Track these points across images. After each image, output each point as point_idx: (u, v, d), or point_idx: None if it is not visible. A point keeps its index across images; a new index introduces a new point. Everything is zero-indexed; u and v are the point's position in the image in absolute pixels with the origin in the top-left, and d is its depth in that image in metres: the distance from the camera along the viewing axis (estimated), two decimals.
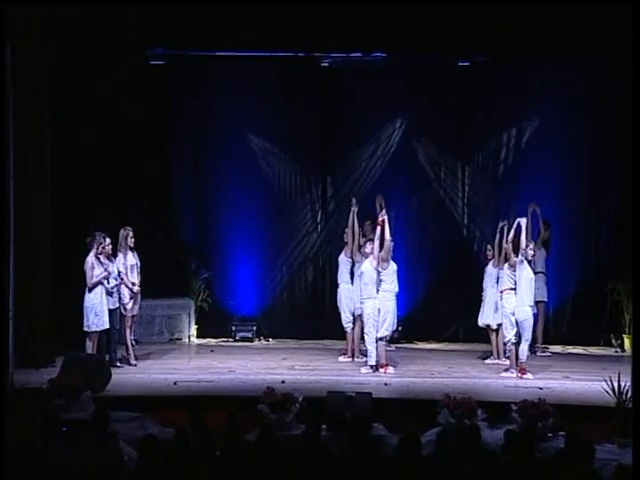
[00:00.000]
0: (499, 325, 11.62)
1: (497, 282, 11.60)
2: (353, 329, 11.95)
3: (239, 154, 14.12)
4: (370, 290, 11.13)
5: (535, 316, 11.34)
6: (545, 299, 12.49)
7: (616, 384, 8.89)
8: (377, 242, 11.11)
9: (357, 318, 11.76)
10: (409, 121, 14.11)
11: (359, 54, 13.33)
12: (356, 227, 11.75)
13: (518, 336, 10.95)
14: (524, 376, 10.77)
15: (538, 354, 12.35)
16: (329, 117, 14.18)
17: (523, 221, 11.05)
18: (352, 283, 11.88)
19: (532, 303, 10.98)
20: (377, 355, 11.11)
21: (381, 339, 11.12)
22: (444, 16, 11.53)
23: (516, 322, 10.91)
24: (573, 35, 11.81)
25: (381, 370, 11.06)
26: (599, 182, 13.74)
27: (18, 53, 10.26)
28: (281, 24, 11.85)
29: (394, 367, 11.27)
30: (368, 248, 11.28)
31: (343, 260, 12.06)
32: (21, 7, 10.15)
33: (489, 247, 12.09)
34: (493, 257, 11.87)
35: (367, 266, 11.16)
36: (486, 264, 12.07)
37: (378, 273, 11.13)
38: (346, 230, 12.00)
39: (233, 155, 14.10)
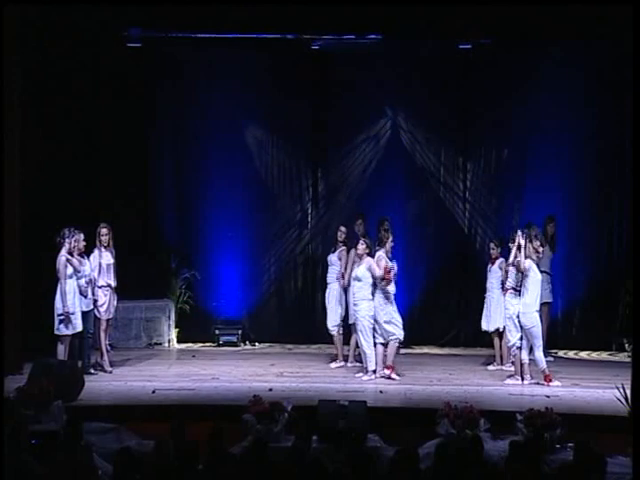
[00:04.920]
0: (496, 330, 11.72)
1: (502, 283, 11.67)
2: (341, 332, 12.02)
3: (223, 144, 14.09)
4: (365, 292, 11.22)
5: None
6: (550, 300, 12.49)
7: (629, 392, 8.90)
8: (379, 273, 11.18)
9: (353, 325, 11.80)
10: (406, 109, 14.11)
11: (352, 36, 13.31)
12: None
13: (522, 339, 10.98)
14: (551, 384, 10.80)
15: None
16: (320, 105, 14.17)
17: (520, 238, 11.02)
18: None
19: (539, 308, 11.00)
20: (376, 356, 11.21)
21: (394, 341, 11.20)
22: None
23: (521, 328, 10.93)
24: (585, 19, 11.86)
25: (386, 371, 11.12)
26: (611, 174, 13.76)
27: None
28: (268, 3, 11.82)
29: (399, 375, 11.29)
30: (360, 248, 11.31)
31: (335, 260, 12.10)
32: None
33: (492, 245, 12.09)
34: (498, 256, 11.88)
35: (363, 270, 11.23)
36: (492, 263, 12.07)
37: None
38: (341, 228, 12.13)
39: (217, 145, 14.08)
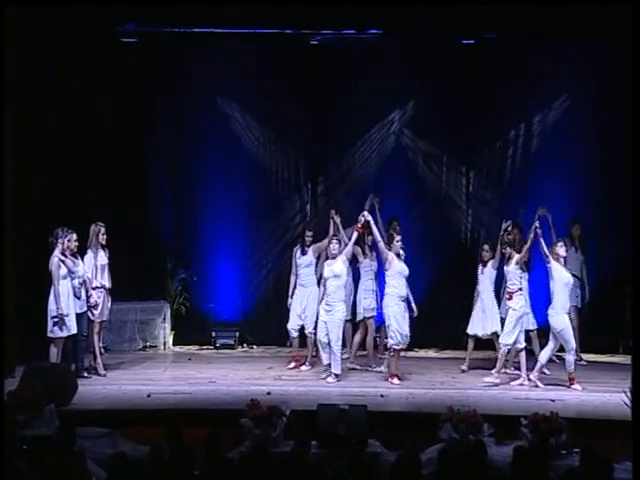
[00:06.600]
0: (493, 334, 11.69)
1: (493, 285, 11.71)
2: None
3: (221, 143, 14.09)
4: (341, 294, 11.30)
5: None
6: (574, 304, 12.41)
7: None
8: (350, 247, 11.25)
9: (360, 323, 12.02)
10: (408, 108, 14.10)
11: (352, 31, 13.30)
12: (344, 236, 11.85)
13: (516, 342, 11.02)
14: (573, 386, 10.85)
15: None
16: (320, 103, 14.15)
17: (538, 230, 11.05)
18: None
19: (567, 310, 11.00)
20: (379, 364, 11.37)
21: (397, 350, 11.17)
22: None
23: (525, 330, 10.97)
24: (585, 19, 11.90)
25: (391, 380, 11.13)
26: (614, 174, 13.75)
27: None
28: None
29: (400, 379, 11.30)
30: (335, 248, 11.31)
31: (311, 260, 12.08)
32: None
33: (486, 247, 12.10)
34: (490, 259, 11.87)
35: (341, 267, 11.23)
36: (484, 265, 12.04)
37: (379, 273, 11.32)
38: (307, 232, 12.20)
39: (214, 143, 14.07)
